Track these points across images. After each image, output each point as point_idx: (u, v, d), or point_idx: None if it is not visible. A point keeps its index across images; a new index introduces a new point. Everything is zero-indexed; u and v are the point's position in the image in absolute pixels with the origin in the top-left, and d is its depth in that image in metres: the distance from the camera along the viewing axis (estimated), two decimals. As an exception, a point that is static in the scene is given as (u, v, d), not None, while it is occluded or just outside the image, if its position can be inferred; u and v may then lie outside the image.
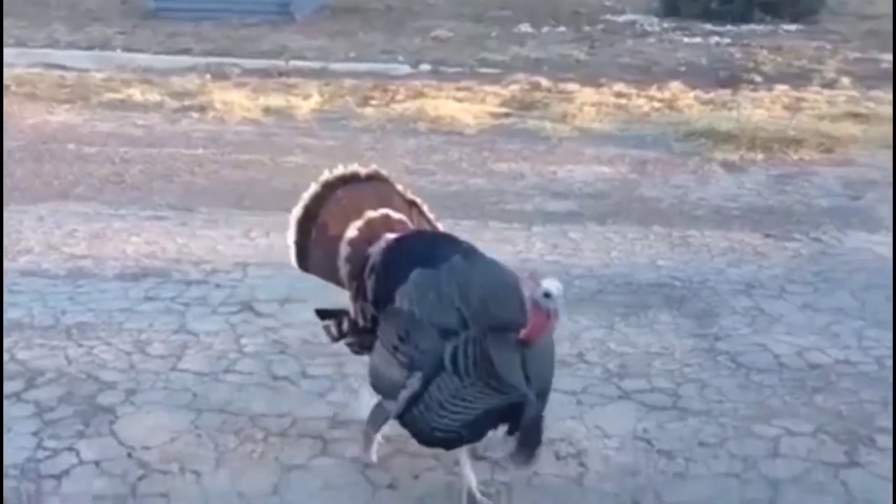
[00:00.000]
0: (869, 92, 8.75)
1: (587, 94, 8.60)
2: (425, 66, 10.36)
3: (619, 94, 8.63)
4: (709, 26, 12.66)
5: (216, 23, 12.28)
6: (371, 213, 2.83)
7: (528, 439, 2.50)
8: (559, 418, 3.12)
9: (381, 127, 7.57)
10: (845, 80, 9.19)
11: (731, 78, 9.45)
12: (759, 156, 6.67)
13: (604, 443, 3.03)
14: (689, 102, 8.34)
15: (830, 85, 9.08)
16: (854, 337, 3.82)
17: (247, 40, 11.45)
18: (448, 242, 2.77)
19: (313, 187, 2.86)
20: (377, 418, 2.75)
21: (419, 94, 8.60)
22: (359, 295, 2.75)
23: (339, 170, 2.88)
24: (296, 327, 3.82)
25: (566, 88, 8.86)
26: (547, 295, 2.34)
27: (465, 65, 10.36)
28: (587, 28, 12.75)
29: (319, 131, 7.43)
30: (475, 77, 9.61)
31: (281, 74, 9.71)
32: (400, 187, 2.96)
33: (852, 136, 7.10)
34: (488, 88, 8.87)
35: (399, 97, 8.54)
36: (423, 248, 2.71)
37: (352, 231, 2.80)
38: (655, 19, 13.32)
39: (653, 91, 8.75)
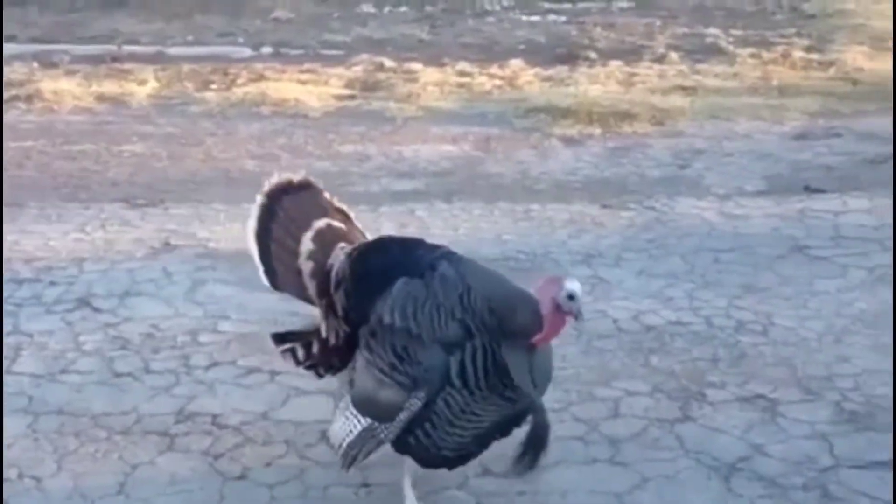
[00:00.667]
0: (696, 65, 9.22)
1: (430, 73, 8.69)
2: (266, 49, 10.19)
3: (461, 73, 8.77)
4: (546, 4, 12.97)
5: (42, 7, 11.68)
6: (318, 224, 2.66)
7: (538, 444, 2.44)
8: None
9: (223, 112, 7.41)
10: (674, 55, 9.63)
11: (568, 55, 9.73)
12: (596, 130, 6.92)
13: (454, 416, 3.08)
14: (529, 80, 8.57)
15: (660, 60, 9.49)
16: (686, 299, 4.04)
17: (76, 25, 10.95)
18: (418, 248, 2.59)
19: (260, 199, 2.68)
20: (366, 444, 2.47)
21: (261, 77, 8.47)
22: (330, 312, 2.58)
23: (275, 178, 2.71)
24: (137, 322, 3.71)
25: (410, 68, 8.92)
26: (571, 297, 2.30)
27: (308, 46, 10.25)
28: (429, 7, 12.82)
29: (157, 118, 7.20)
30: (318, 59, 9.53)
31: (114, 60, 9.34)
32: (327, 195, 2.79)
33: (681, 108, 7.48)
34: (332, 70, 8.83)
35: (240, 81, 8.39)
36: (394, 257, 2.53)
37: (306, 244, 2.62)
38: (495, -2, 13.55)
39: (494, 69, 8.93)
